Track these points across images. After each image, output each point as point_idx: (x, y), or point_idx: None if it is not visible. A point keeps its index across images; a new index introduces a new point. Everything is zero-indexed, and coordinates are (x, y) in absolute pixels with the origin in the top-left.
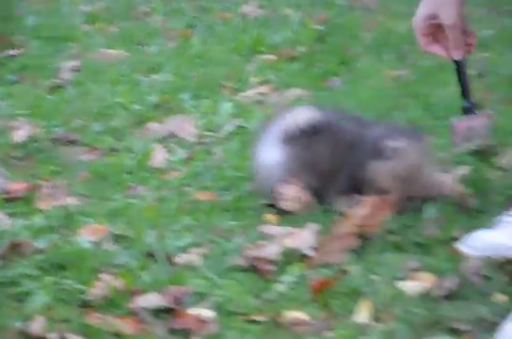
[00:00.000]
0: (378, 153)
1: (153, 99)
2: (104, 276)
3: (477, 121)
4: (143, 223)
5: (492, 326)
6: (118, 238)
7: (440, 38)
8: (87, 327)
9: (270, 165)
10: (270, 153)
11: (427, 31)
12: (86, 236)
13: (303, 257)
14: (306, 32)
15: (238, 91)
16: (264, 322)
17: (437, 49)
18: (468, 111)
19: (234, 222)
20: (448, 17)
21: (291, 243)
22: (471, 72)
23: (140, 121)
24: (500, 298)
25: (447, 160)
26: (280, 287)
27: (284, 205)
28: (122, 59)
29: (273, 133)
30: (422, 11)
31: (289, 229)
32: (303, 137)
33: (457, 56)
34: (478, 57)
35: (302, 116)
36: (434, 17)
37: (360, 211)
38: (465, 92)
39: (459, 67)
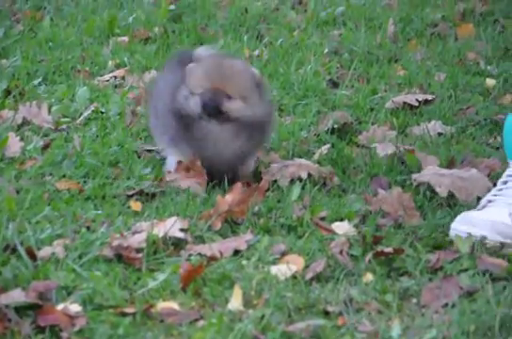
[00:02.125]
0: None
1: (4, 85)
2: None
3: None
4: (2, 216)
5: (362, 306)
6: None
7: None
8: None
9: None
10: None
11: None
12: None
13: (171, 245)
14: (159, 12)
15: (94, 75)
16: (134, 314)
17: None
18: None
19: (98, 211)
20: None
21: (157, 230)
22: (328, 49)
23: None
24: (368, 277)
25: (308, 139)
26: (149, 277)
27: None
28: None
29: None
30: None
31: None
32: None
33: None
34: (332, 35)
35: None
36: None
37: (229, 197)
38: None
39: None
